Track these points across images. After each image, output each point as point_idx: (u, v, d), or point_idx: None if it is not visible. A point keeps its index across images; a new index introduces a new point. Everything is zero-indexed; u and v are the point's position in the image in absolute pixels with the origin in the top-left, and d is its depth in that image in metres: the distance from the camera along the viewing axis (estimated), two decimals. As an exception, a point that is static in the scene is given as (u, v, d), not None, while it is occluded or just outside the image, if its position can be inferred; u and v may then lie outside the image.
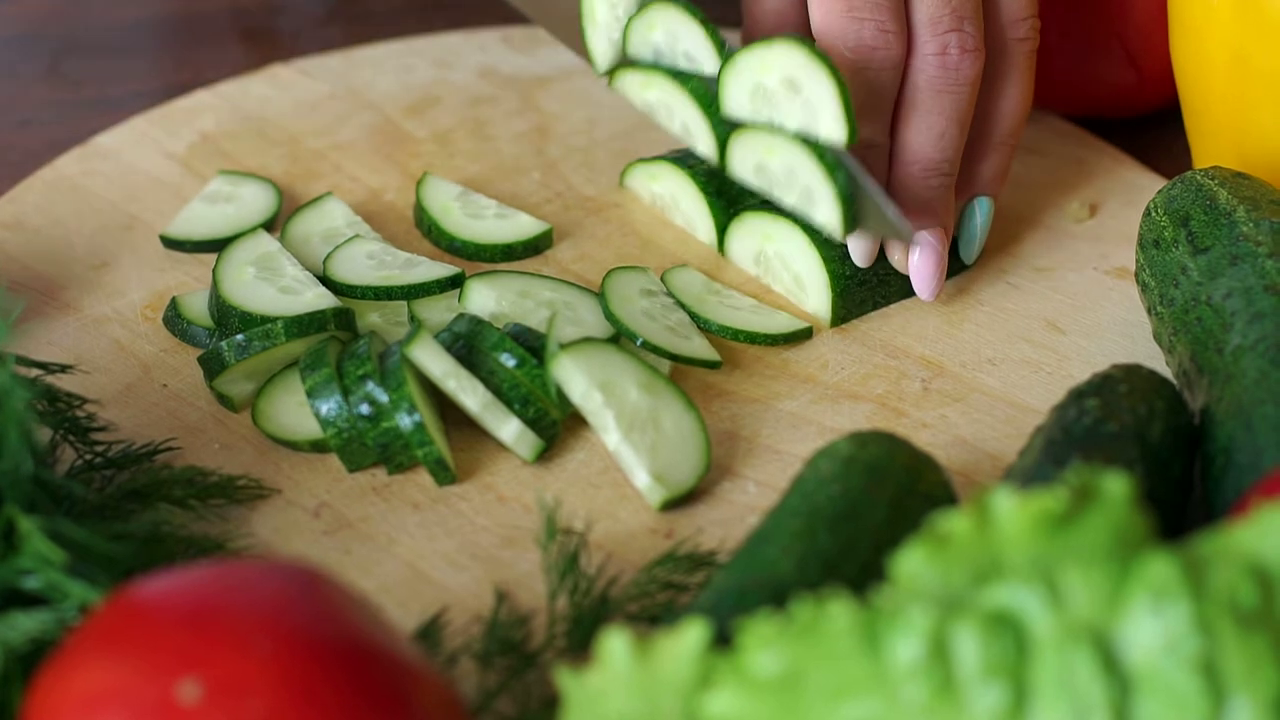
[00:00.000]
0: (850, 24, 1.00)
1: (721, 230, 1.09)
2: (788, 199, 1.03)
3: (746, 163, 1.05)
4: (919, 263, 1.04)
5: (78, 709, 0.68)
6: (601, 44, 1.10)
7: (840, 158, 1.00)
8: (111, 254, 1.10)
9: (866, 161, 1.02)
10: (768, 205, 1.07)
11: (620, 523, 0.93)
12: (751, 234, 1.08)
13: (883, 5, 1.00)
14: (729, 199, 1.09)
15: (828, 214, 1.01)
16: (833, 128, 0.99)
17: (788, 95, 1.01)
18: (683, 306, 1.04)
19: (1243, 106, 1.04)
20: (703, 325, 1.04)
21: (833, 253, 1.05)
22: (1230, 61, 1.03)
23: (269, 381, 0.99)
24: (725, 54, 1.04)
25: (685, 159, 1.11)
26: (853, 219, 1.01)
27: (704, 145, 1.07)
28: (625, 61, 1.09)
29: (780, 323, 1.04)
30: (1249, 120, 1.04)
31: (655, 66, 1.08)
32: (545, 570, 0.89)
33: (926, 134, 1.02)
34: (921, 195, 1.03)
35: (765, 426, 0.99)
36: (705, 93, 1.06)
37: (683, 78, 1.06)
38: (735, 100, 1.03)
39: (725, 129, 1.06)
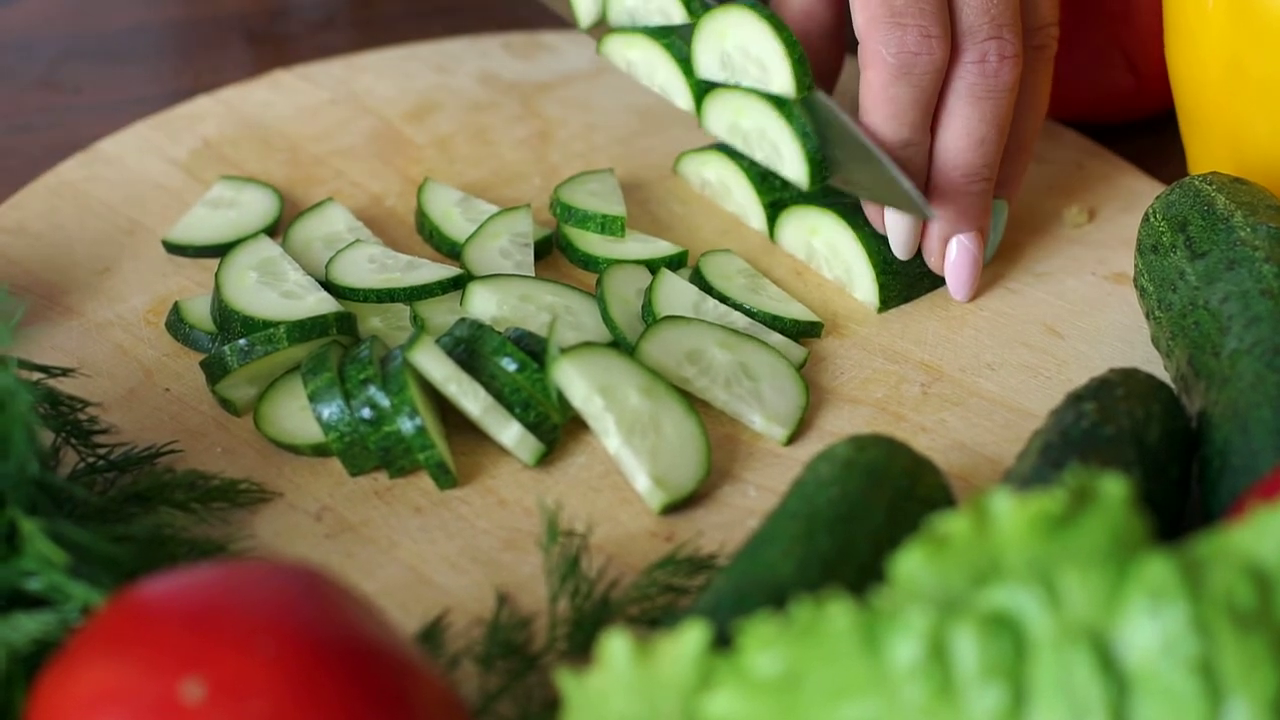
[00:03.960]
0: (893, 29, 1.01)
1: (772, 218, 1.11)
2: (757, 155, 1.08)
3: (720, 121, 1.09)
4: (955, 264, 1.06)
5: (81, 709, 0.68)
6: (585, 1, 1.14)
7: (814, 117, 1.04)
8: (114, 259, 1.10)
9: (905, 162, 1.03)
10: (812, 199, 1.09)
11: (621, 526, 0.94)
12: (799, 226, 1.10)
13: (926, 10, 1.01)
14: (778, 187, 1.12)
15: (795, 170, 1.05)
16: (784, 84, 1.04)
17: (744, 59, 1.05)
18: (720, 294, 1.06)
19: (1237, 112, 1.04)
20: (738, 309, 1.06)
21: (877, 245, 1.07)
22: (1225, 67, 1.04)
23: (271, 386, 0.99)
24: (695, 14, 1.08)
25: (736, 150, 1.13)
26: (819, 175, 1.05)
27: (682, 102, 1.11)
28: (606, 25, 1.13)
29: (795, 311, 1.06)
30: (1244, 125, 1.04)
31: (635, 28, 1.11)
32: (546, 573, 0.89)
33: (967, 140, 1.03)
34: (962, 200, 1.05)
35: (765, 430, 1.00)
36: (680, 50, 1.10)
37: (659, 34, 1.10)
38: (706, 65, 1.08)
39: (701, 86, 1.10)
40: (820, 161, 1.05)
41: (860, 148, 1.02)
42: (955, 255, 1.06)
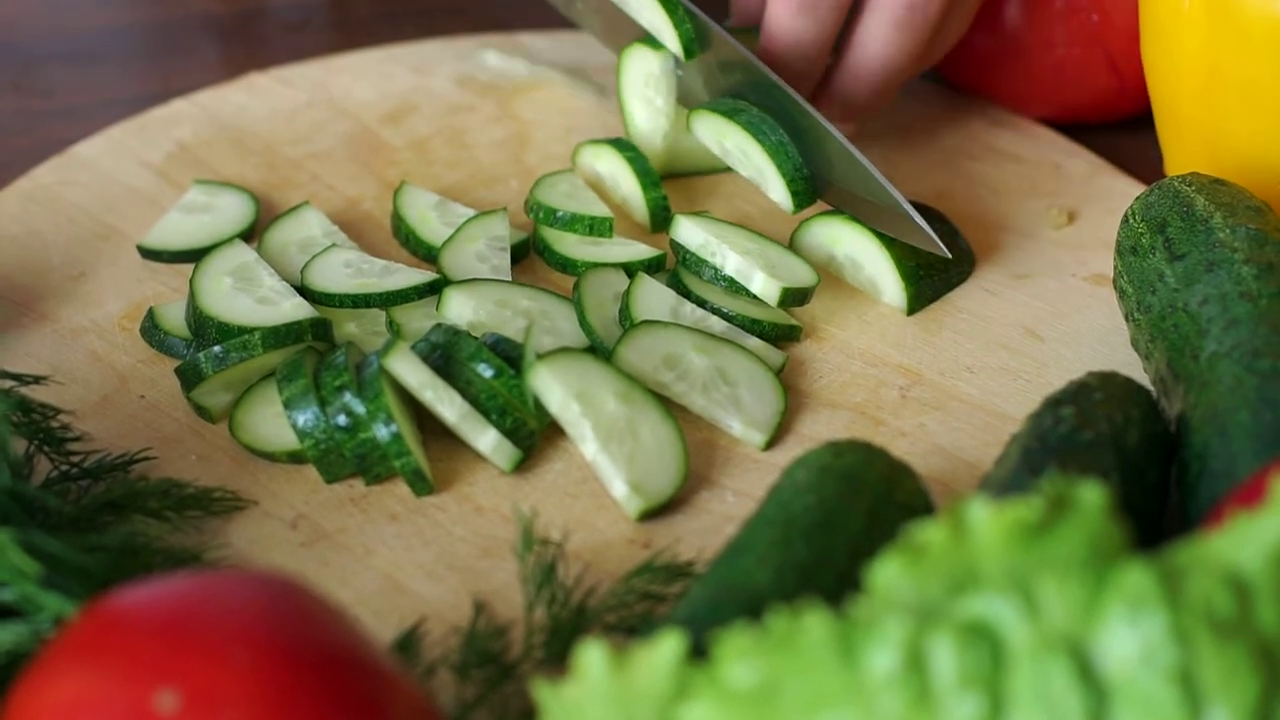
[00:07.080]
0: None
1: (656, 215, 1.12)
2: (743, 172, 1.11)
3: (708, 139, 1.12)
4: None
5: (53, 721, 0.68)
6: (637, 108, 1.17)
7: (803, 141, 1.06)
8: (89, 264, 1.09)
9: (809, 54, 1.10)
10: (833, 211, 1.08)
11: (598, 533, 0.93)
12: (820, 236, 1.09)
13: None
14: (659, 184, 1.13)
15: (780, 194, 1.08)
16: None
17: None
18: (698, 299, 1.06)
19: (1216, 112, 1.04)
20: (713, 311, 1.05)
21: (900, 252, 1.06)
22: (1203, 68, 1.03)
23: (246, 392, 0.98)
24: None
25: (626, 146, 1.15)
26: (803, 195, 1.08)
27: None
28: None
29: (773, 315, 1.05)
30: (1220, 125, 1.04)
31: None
32: (523, 581, 0.89)
33: (881, 62, 1.12)
34: (863, 97, 1.13)
35: (743, 435, 0.99)
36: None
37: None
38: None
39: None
40: (804, 184, 1.08)
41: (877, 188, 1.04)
42: None
